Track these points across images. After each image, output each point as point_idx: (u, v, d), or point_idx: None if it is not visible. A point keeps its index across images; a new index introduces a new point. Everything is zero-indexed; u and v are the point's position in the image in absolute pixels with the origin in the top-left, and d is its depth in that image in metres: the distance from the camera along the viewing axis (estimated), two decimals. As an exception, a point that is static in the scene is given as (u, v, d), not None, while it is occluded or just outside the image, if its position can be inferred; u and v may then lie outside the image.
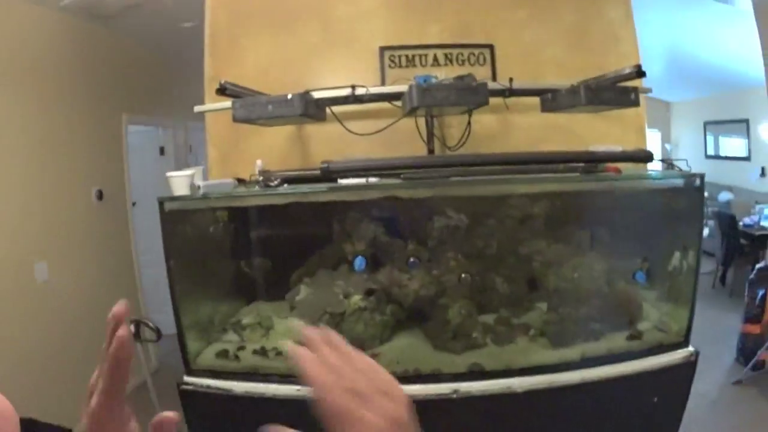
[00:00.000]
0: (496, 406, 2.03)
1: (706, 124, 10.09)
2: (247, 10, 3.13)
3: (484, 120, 2.99)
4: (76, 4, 4.32)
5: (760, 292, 4.87)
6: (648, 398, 2.14)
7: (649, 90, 2.81)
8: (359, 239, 2.38)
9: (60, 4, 4.26)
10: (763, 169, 8.40)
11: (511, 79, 2.62)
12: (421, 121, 2.76)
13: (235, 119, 2.29)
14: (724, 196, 9.02)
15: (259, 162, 2.50)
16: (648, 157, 2.14)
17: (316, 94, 2.44)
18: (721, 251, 7.17)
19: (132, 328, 3.16)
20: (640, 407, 2.16)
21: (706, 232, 8.26)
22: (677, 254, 2.26)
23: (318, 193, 2.13)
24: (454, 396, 1.99)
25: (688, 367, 2.17)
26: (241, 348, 2.32)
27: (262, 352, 2.27)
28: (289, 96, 2.17)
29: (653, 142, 11.58)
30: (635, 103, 2.26)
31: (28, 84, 4.12)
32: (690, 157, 8.95)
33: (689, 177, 2.19)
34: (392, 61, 3.04)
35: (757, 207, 7.35)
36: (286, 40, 3.10)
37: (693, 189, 2.19)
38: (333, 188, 2.11)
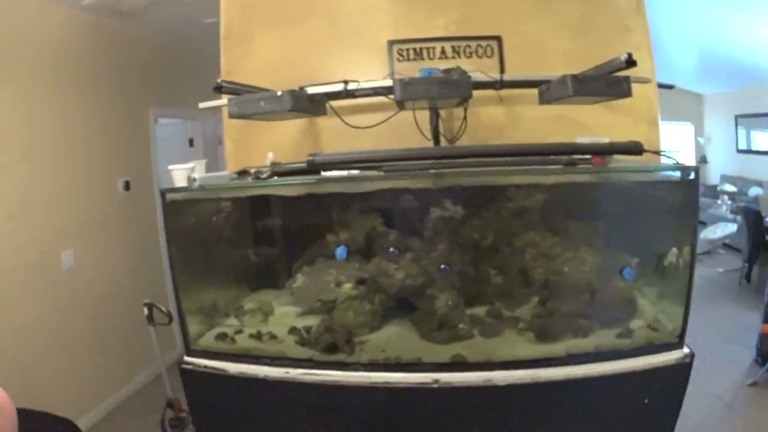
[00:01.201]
0: (477, 398, 1.99)
1: (737, 117, 9.80)
2: (260, 7, 3.12)
3: (492, 112, 2.93)
4: (98, 3, 4.39)
5: (780, 291, 4.66)
6: (638, 400, 2.05)
7: (647, 80, 2.71)
8: (344, 229, 2.37)
9: (82, 3, 4.36)
10: (793, 163, 8.11)
11: (501, 71, 2.56)
12: (422, 114, 2.72)
13: (231, 115, 2.32)
14: (754, 191, 8.74)
15: (270, 154, 2.50)
16: (637, 149, 2.06)
17: (311, 90, 2.43)
18: (747, 248, 6.94)
19: (145, 310, 3.24)
20: (630, 408, 2.08)
21: (734, 228, 8.04)
22: (673, 251, 2.17)
23: (304, 184, 2.14)
24: (435, 386, 1.96)
25: (682, 369, 2.06)
26: (239, 332, 2.38)
27: (257, 336, 2.33)
28: (279, 92, 2.16)
29: (686, 135, 11.30)
30: (627, 94, 2.16)
31: (55, 81, 4.25)
32: (722, 152, 8.87)
33: (683, 170, 2.10)
34: (400, 55, 2.99)
35: (785, 202, 7.11)
36: (297, 35, 3.08)
37: (687, 182, 2.09)
38: (319, 180, 2.10)
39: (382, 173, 2.01)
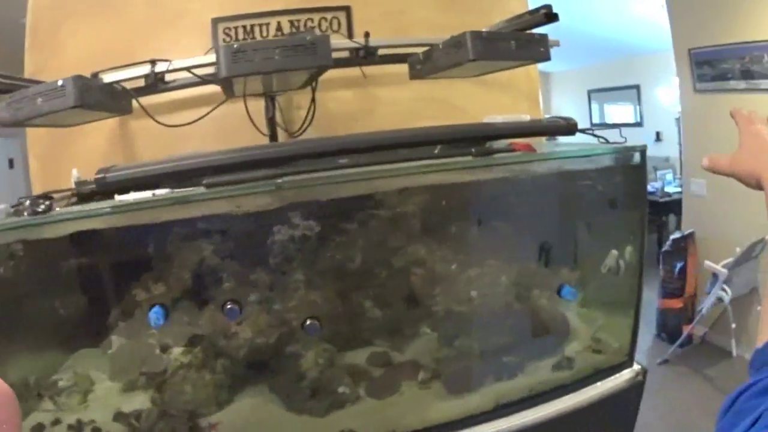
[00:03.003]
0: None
1: (590, 92, 9.89)
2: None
3: (342, 97, 2.40)
4: None
5: (678, 265, 4.50)
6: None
7: (557, 43, 2.25)
8: (159, 273, 1.63)
9: None
10: (658, 133, 8.11)
11: (367, 34, 1.97)
12: (258, 104, 2.12)
13: (2, 123, 1.54)
14: (620, 163, 8.85)
15: (74, 172, 1.78)
16: (571, 128, 1.55)
17: (108, 77, 1.70)
18: (625, 221, 6.85)
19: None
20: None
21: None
22: (613, 252, 1.72)
23: (92, 217, 1.39)
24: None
25: (635, 389, 1.67)
26: (57, 422, 1.62)
27: (78, 427, 1.59)
28: (60, 82, 1.41)
29: (533, 114, 11.40)
30: (545, 56, 1.65)
31: None
32: (575, 127, 8.89)
33: (625, 152, 1.64)
34: (227, 35, 2.36)
35: (658, 173, 7.06)
36: (108, 21, 2.38)
37: (631, 167, 1.66)
38: (115, 208, 1.35)
39: (203, 190, 1.32)
